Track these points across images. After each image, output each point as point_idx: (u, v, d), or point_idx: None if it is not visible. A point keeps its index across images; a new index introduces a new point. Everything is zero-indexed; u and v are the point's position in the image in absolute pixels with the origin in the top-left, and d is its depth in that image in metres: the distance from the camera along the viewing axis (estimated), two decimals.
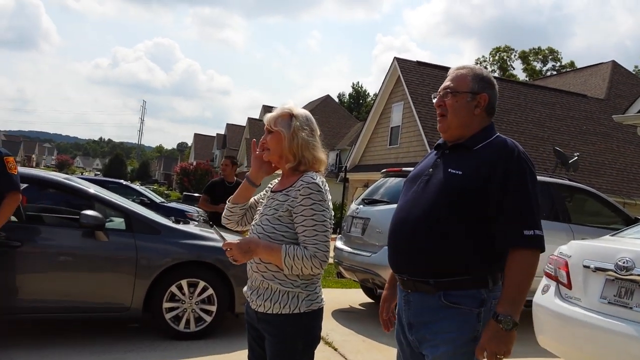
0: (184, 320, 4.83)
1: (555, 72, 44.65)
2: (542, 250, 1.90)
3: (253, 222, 2.34)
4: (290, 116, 2.30)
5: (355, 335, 5.38)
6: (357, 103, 64.62)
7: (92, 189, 5.08)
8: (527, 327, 4.43)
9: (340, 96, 66.01)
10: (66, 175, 5.48)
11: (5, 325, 4.95)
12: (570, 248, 4.05)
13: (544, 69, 50.64)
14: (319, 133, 2.35)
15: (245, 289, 2.35)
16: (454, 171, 2.04)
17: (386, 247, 5.94)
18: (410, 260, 2.05)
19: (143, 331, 5.05)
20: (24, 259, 4.41)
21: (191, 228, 5.20)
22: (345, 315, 6.13)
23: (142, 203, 13.02)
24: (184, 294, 4.80)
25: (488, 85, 2.17)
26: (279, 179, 2.42)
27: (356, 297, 7.27)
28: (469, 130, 2.14)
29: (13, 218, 4.94)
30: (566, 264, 3.94)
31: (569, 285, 3.86)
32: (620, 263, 3.46)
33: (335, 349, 4.83)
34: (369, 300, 7.22)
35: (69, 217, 5.85)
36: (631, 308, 3.34)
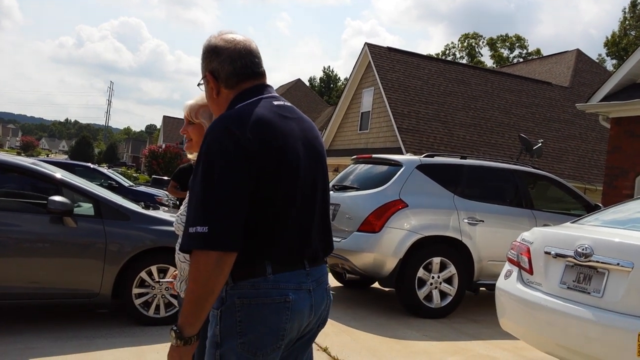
0: (153, 306, 4.84)
1: (522, 60, 45.34)
2: (212, 248, 1.49)
3: (178, 213, 2.25)
4: None
5: None
6: (328, 87, 64.53)
7: (59, 173, 5.02)
8: (491, 310, 4.59)
9: (311, 80, 65.81)
10: (33, 160, 5.39)
11: None
12: (533, 234, 4.19)
13: (511, 56, 51.41)
14: None
15: (176, 280, 2.30)
16: None
17: (356, 232, 6.01)
18: None
19: (112, 317, 5.04)
20: None
21: (161, 214, 5.19)
22: None
23: (110, 187, 12.85)
24: (153, 280, 4.80)
25: (210, 57, 1.77)
26: None
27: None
28: None
29: None
30: (528, 250, 4.08)
31: (530, 271, 4.00)
32: (579, 250, 3.60)
33: None
34: (338, 284, 7.33)
35: (36, 202, 5.77)
36: (589, 293, 3.48)
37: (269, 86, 1.80)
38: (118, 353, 4.15)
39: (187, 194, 2.30)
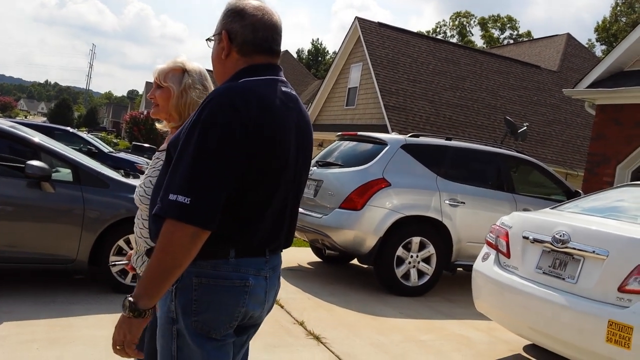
0: (130, 274, 4.82)
1: (512, 41, 45.28)
2: (190, 222, 1.44)
3: (140, 182, 2.17)
4: (182, 71, 2.16)
5: (301, 293, 5.50)
6: (315, 60, 64.01)
7: (38, 137, 4.93)
8: (467, 291, 4.65)
9: (299, 52, 65.19)
10: (11, 123, 5.27)
11: None
12: (512, 219, 4.23)
13: (502, 37, 51.30)
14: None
15: (132, 254, 2.23)
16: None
17: (337, 209, 6.00)
18: None
19: (89, 284, 5.02)
20: None
21: None
22: (293, 274, 6.24)
23: (89, 152, 12.70)
24: (131, 249, 4.77)
25: (232, 17, 1.69)
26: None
27: (304, 256, 7.40)
28: (224, 81, 1.71)
29: None
30: (507, 234, 4.12)
31: (507, 254, 4.04)
32: (557, 236, 3.64)
33: (282, 306, 4.93)
34: (317, 259, 7.37)
35: (13, 165, 5.68)
36: (564, 279, 3.54)
37: (280, 68, 1.74)
38: (93, 319, 4.13)
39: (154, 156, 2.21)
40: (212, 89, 2.04)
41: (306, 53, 65.62)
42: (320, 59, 64.42)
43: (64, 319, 4.10)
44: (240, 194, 1.54)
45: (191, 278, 1.58)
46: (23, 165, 4.52)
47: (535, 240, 3.83)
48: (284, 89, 1.68)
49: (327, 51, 65.69)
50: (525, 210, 5.78)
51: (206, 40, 1.78)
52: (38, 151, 4.83)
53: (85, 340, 3.71)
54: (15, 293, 4.55)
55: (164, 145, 2.14)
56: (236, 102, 1.51)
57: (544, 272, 3.69)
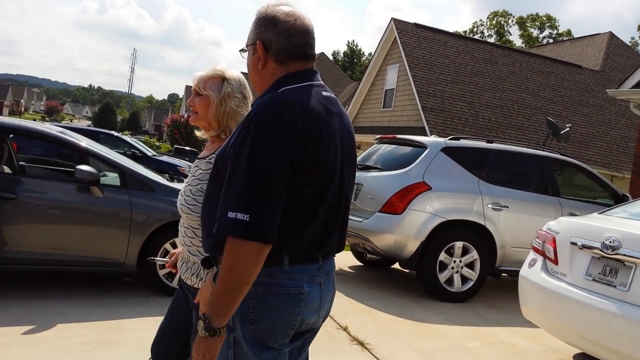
0: (177, 277, 4.90)
1: (551, 40, 44.34)
2: (253, 239, 1.45)
3: (181, 190, 2.18)
4: (222, 79, 2.15)
5: (344, 297, 5.50)
6: (351, 62, 63.92)
7: (85, 142, 5.07)
8: (512, 296, 4.57)
9: (335, 54, 65.23)
10: (60, 129, 5.44)
11: (1, 277, 5.01)
12: (559, 224, 4.14)
13: (541, 36, 50.27)
14: (251, 99, 2.16)
15: (175, 253, 2.29)
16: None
17: (378, 213, 5.99)
18: None
19: (137, 286, 5.13)
20: (19, 212, 4.43)
21: None
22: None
23: (133, 155, 13.00)
24: None
25: (265, 26, 1.68)
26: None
27: (346, 260, 7.40)
28: (262, 91, 1.72)
29: (7, 169, 4.96)
30: (554, 240, 4.04)
31: (555, 261, 3.96)
32: (606, 242, 3.55)
33: None
34: (358, 263, 7.36)
35: (63, 169, 5.86)
36: (615, 286, 3.44)
37: (316, 72, 1.75)
38: (142, 322, 4.22)
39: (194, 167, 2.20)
40: (251, 97, 2.10)
41: (342, 55, 65.60)
42: (355, 60, 64.30)
43: (114, 321, 4.20)
44: (290, 202, 1.54)
45: None
46: (72, 170, 4.65)
47: (584, 247, 3.74)
48: (324, 93, 1.69)
49: (363, 52, 65.56)
50: (571, 214, 5.65)
51: (240, 51, 1.78)
52: (86, 156, 4.98)
53: (135, 342, 3.79)
54: (66, 296, 4.69)
55: (204, 153, 2.17)
56: (281, 114, 1.52)
57: (594, 279, 3.60)
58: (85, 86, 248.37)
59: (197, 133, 2.37)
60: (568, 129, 11.01)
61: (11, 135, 5.25)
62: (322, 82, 1.73)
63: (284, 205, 1.53)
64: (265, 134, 1.50)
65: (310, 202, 1.59)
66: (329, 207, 1.65)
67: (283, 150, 1.50)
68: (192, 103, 2.17)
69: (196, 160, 2.20)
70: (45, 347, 3.59)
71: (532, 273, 4.10)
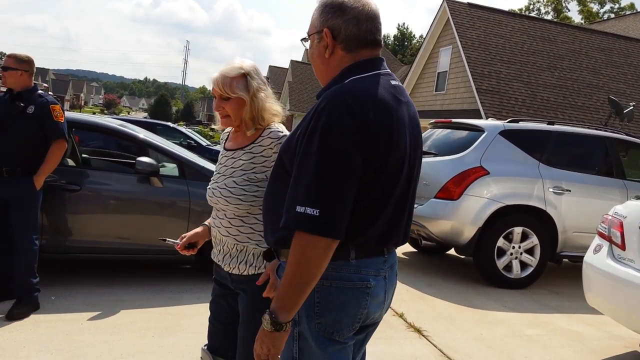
0: None
1: (613, 15, 42.29)
2: (322, 234, 1.43)
3: (212, 185, 2.15)
4: (244, 76, 2.10)
5: (399, 284, 5.44)
6: (402, 45, 63.06)
7: (143, 134, 5.19)
8: (574, 282, 4.42)
9: (385, 38, 64.38)
10: (120, 122, 5.60)
11: (66, 265, 5.23)
12: (626, 208, 3.96)
13: (602, 11, 48.01)
14: (265, 81, 2.16)
15: (214, 252, 2.25)
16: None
17: (433, 199, 5.90)
18: None
19: (195, 273, 5.25)
20: (84, 203, 4.60)
21: None
22: None
23: (189, 146, 13.29)
24: None
25: (332, 13, 1.62)
26: (228, 133, 2.28)
27: (400, 247, 7.35)
28: (328, 81, 1.67)
29: (70, 162, 5.15)
30: (621, 225, 3.87)
31: (622, 246, 3.80)
32: None
33: None
34: (413, 250, 7.29)
35: (124, 161, 6.05)
36: None
37: (383, 60, 1.69)
38: (201, 308, 4.30)
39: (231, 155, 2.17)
40: (264, 78, 2.09)
41: (392, 38, 64.75)
42: (406, 43, 63.36)
43: (174, 307, 4.32)
44: (359, 195, 1.50)
45: None
46: (133, 162, 4.78)
47: None
48: (392, 82, 1.63)
49: (414, 35, 64.51)
50: (638, 197, 5.40)
51: (301, 40, 1.73)
52: (145, 147, 5.11)
53: (195, 328, 3.88)
54: (128, 283, 4.86)
55: (234, 144, 2.16)
56: (352, 106, 1.47)
57: None
58: (141, 79, 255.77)
59: (215, 126, 2.36)
60: (632, 107, 10.51)
61: (74, 129, 5.45)
62: (389, 70, 1.67)
63: (355, 200, 1.50)
64: (335, 127, 1.45)
65: (379, 195, 1.55)
66: (397, 200, 1.60)
67: (354, 144, 1.45)
68: (222, 107, 2.11)
69: (225, 151, 2.19)
70: (111, 332, 3.73)
71: (597, 259, 3.95)
